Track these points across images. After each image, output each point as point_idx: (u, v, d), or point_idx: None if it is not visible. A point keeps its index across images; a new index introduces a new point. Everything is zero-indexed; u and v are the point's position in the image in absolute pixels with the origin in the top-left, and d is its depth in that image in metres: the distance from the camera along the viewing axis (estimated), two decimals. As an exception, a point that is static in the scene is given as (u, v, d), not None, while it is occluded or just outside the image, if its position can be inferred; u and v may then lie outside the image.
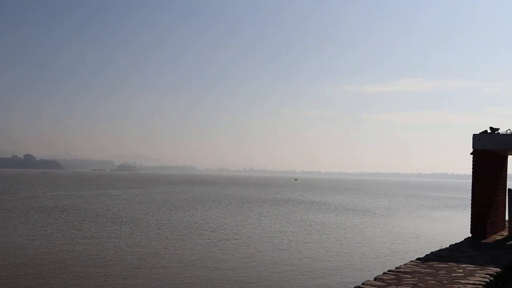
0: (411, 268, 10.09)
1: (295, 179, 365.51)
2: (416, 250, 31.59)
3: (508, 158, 19.76)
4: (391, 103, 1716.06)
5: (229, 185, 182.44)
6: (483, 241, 15.56)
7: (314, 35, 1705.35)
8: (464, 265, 10.64)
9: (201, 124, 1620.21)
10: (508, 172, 19.71)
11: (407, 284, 8.55)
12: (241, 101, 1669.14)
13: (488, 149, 16.50)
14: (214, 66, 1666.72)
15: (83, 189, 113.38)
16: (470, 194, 16.95)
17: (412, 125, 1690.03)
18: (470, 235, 16.51)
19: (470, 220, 16.72)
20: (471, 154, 16.70)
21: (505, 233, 17.59)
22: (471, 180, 16.90)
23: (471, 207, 16.67)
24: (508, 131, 16.39)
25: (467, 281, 8.86)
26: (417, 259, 11.57)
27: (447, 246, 14.13)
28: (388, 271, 9.81)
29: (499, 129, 16.65)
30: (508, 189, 18.45)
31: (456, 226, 48.73)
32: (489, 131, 16.66)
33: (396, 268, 10.18)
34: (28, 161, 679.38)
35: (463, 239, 16.00)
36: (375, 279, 8.98)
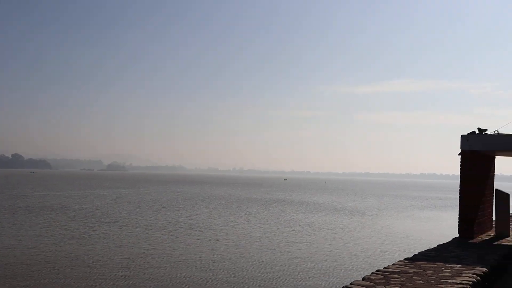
0: (399, 268, 10.16)
1: (285, 179, 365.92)
2: (404, 250, 31.76)
3: (496, 159, 19.94)
4: (381, 104, 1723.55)
5: (218, 185, 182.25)
6: (471, 241, 15.68)
7: (305, 35, 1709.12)
8: (452, 265, 10.73)
9: (191, 124, 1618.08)
10: (495, 173, 19.88)
11: (395, 284, 8.60)
12: (231, 101, 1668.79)
13: (476, 149, 16.64)
14: (205, 66, 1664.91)
15: (72, 188, 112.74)
16: (458, 195, 17.08)
17: (401, 125, 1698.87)
18: (457, 235, 16.64)
19: (458, 220, 16.85)
20: (459, 154, 16.83)
21: (492, 233, 17.74)
22: (459, 181, 17.03)
23: (459, 208, 16.79)
24: (496, 132, 16.54)
25: (454, 281, 8.94)
26: (405, 259, 11.64)
27: (435, 246, 14.23)
28: (377, 271, 9.87)
29: (486, 130, 16.79)
30: (496, 189, 18.61)
31: (444, 226, 49.04)
32: (477, 132, 16.80)
33: (384, 268, 10.24)
34: (16, 160, 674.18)
35: (451, 239, 16.11)
36: (363, 279, 9.03)
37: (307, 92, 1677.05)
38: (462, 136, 16.78)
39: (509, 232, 17.18)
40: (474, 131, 16.83)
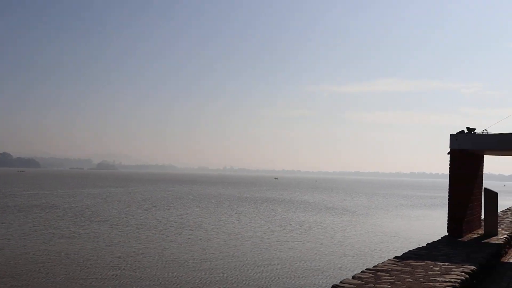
0: (389, 267, 10.22)
1: (275, 178, 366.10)
2: (394, 248, 31.93)
3: (484, 158, 20.09)
4: (370, 103, 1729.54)
5: (209, 184, 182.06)
6: (460, 239, 15.79)
7: (294, 35, 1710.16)
8: (441, 263, 10.80)
9: (182, 122, 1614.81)
10: (484, 172, 20.03)
11: (384, 282, 8.66)
12: (221, 100, 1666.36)
13: (465, 149, 16.74)
14: (195, 66, 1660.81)
15: (61, 187, 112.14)
16: (448, 193, 17.19)
17: (391, 125, 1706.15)
18: (447, 234, 16.75)
19: (447, 219, 16.95)
20: (448, 153, 16.93)
21: (481, 231, 17.87)
22: (448, 180, 17.13)
23: (448, 206, 16.89)
24: (485, 131, 16.65)
25: (443, 279, 9.01)
26: (394, 257, 11.70)
27: (424, 245, 14.32)
28: (366, 269, 9.92)
29: (475, 129, 16.89)
30: (484, 188, 18.74)
31: (434, 224, 49.36)
32: (466, 131, 16.90)
33: (374, 266, 10.29)
34: (4, 159, 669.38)
35: (440, 238, 16.21)
36: (353, 277, 9.08)
37: (296, 91, 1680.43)
38: (451, 135, 16.87)
39: (497, 230, 17.31)
40: (463, 131, 16.93)
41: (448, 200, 16.96)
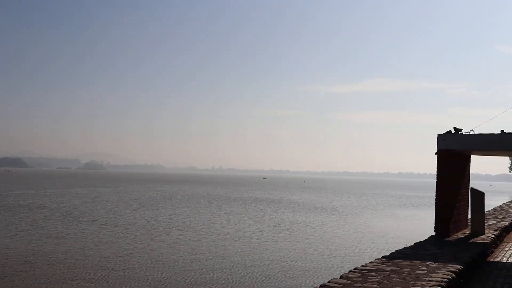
0: (377, 266, 10.28)
1: (264, 178, 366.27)
2: (383, 248, 32.08)
3: (471, 158, 20.26)
4: (359, 103, 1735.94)
5: (197, 183, 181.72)
6: (447, 239, 15.91)
7: (284, 36, 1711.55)
8: (428, 263, 10.89)
9: (170, 122, 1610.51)
10: (470, 172, 20.20)
11: (372, 281, 8.72)
12: (210, 100, 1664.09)
13: (452, 149, 16.87)
14: (183, 66, 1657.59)
15: (49, 187, 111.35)
16: (435, 193, 17.31)
17: (379, 125, 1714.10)
18: (434, 234, 16.87)
19: (434, 218, 17.07)
20: (435, 154, 17.05)
21: (467, 231, 18.02)
22: (435, 179, 17.25)
23: (435, 206, 17.01)
24: (472, 131, 16.78)
25: (430, 278, 9.09)
26: (382, 257, 11.78)
27: (412, 245, 14.42)
28: (354, 269, 9.98)
29: (462, 129, 17.03)
30: (471, 188, 18.90)
31: (421, 224, 49.66)
32: (453, 131, 17.03)
33: (362, 266, 10.36)
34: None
35: (427, 237, 16.33)
36: (341, 277, 9.13)
37: (285, 91, 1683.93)
38: (439, 135, 16.99)
39: (484, 230, 17.47)
40: (450, 131, 17.05)
41: (436, 200, 17.08)
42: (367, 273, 9.52)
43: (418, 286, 8.43)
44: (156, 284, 21.28)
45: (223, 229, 40.28)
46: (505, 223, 21.61)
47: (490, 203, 45.00)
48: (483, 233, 17.16)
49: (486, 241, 15.38)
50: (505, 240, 19.19)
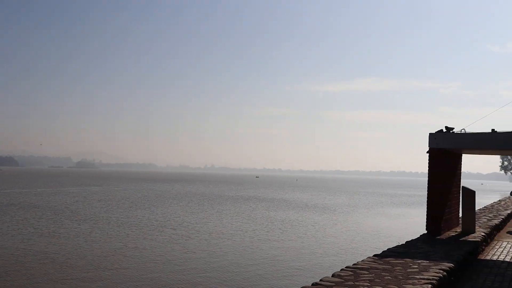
0: (368, 264, 10.34)
1: (256, 177, 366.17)
2: (375, 246, 32.21)
3: (462, 157, 20.39)
4: (350, 102, 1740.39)
5: (190, 182, 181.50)
6: (438, 237, 16.02)
7: (275, 34, 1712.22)
8: (419, 261, 10.97)
9: (162, 120, 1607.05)
10: (462, 170, 20.33)
11: (364, 280, 8.77)
12: (202, 99, 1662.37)
13: (444, 147, 16.98)
14: (175, 64, 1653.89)
15: (40, 186, 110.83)
16: (426, 192, 17.41)
17: (371, 123, 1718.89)
18: (425, 232, 16.97)
19: (425, 217, 17.17)
20: (427, 152, 17.15)
21: (458, 229, 18.14)
22: (427, 178, 17.35)
23: (427, 205, 17.12)
24: (463, 130, 16.90)
25: (421, 277, 9.15)
26: (374, 255, 11.84)
27: (403, 243, 14.50)
28: (346, 267, 10.03)
29: (454, 128, 17.14)
30: (462, 186, 19.03)
31: (413, 223, 49.87)
32: (444, 130, 17.13)
33: (354, 264, 10.42)
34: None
35: (419, 236, 16.43)
36: (333, 275, 9.18)
37: (277, 90, 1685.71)
38: (430, 134, 17.10)
39: (475, 228, 17.60)
40: (441, 130, 17.16)
41: (427, 198, 17.19)
42: (359, 271, 9.57)
43: (410, 284, 8.48)
44: (149, 283, 21.26)
45: (215, 228, 40.28)
46: (496, 221, 21.78)
47: (481, 202, 45.26)
48: (474, 232, 17.29)
49: (477, 240, 15.50)
50: (495, 238, 19.34)
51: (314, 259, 27.96)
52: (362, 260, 10.96)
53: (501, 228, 22.68)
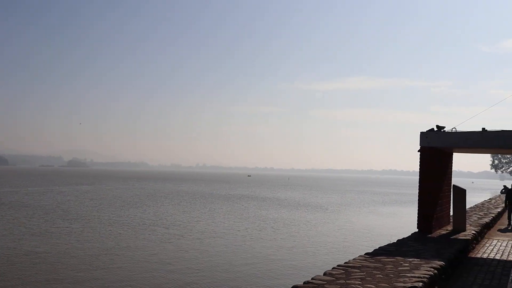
0: (360, 263, 10.40)
1: (248, 176, 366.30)
2: (367, 245, 32.33)
3: (453, 156, 20.52)
4: (341, 101, 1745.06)
5: (181, 181, 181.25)
6: (429, 236, 16.12)
7: (264, 32, 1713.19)
8: (410, 259, 11.04)
9: (153, 120, 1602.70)
10: (453, 169, 20.46)
11: (355, 278, 8.82)
12: (193, 97, 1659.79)
13: (435, 146, 17.10)
14: (164, 63, 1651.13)
15: (31, 185, 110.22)
16: (418, 190, 17.51)
17: (363, 122, 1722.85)
18: (417, 230, 17.07)
19: (417, 215, 17.28)
20: (418, 151, 17.25)
21: (449, 227, 18.27)
22: (418, 177, 17.46)
23: (418, 203, 17.23)
24: (454, 129, 17.01)
25: (412, 275, 9.22)
26: (365, 253, 11.91)
27: (395, 241, 14.58)
28: (338, 265, 10.09)
29: (445, 127, 17.25)
30: (453, 185, 19.16)
31: (404, 221, 50.09)
32: (435, 129, 17.24)
33: (345, 263, 10.47)
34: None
35: (410, 234, 16.53)
36: (324, 274, 9.22)
37: (268, 88, 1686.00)
38: (421, 133, 17.21)
39: (465, 226, 17.73)
40: (432, 129, 17.27)
41: (418, 197, 17.29)
42: (350, 269, 9.62)
43: (401, 282, 8.54)
44: (141, 282, 21.22)
45: (208, 227, 40.27)
46: (486, 219, 21.95)
47: (471, 200, 45.56)
48: (464, 230, 17.42)
49: (468, 238, 15.61)
50: (486, 236, 19.50)
51: (306, 257, 28.03)
52: (353, 259, 11.02)
53: (492, 226, 22.87)
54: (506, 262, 13.70)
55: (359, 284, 8.25)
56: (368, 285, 8.22)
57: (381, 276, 9.10)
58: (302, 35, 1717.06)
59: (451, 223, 18.59)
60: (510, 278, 11.45)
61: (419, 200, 17.20)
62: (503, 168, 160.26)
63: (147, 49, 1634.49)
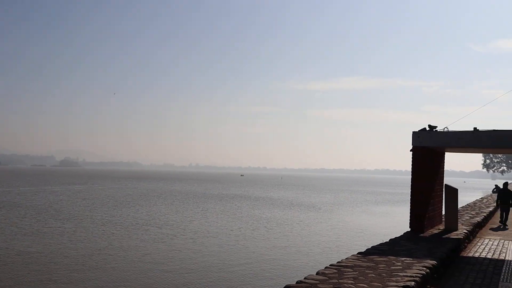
0: (353, 262, 10.44)
1: (241, 175, 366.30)
2: (359, 244, 32.43)
3: (445, 155, 20.61)
4: (335, 101, 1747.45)
5: (174, 181, 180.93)
6: (421, 235, 16.19)
7: (259, 32, 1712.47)
8: (403, 258, 11.09)
9: (147, 119, 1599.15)
10: (445, 168, 20.56)
11: (348, 277, 8.85)
12: (186, 97, 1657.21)
13: (427, 146, 17.17)
14: (159, 62, 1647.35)
15: (23, 185, 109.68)
16: (410, 190, 17.58)
17: (355, 122, 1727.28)
18: (409, 230, 17.14)
19: (409, 215, 17.35)
20: (410, 151, 17.32)
21: (441, 227, 18.36)
22: (411, 176, 17.53)
23: (410, 203, 17.29)
24: (446, 129, 17.09)
25: (405, 274, 9.26)
26: (358, 253, 11.95)
27: (387, 241, 14.64)
28: (330, 265, 10.11)
29: (437, 127, 17.33)
30: (445, 184, 19.25)
31: (397, 220, 50.26)
32: (427, 129, 17.32)
33: (338, 262, 10.50)
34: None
35: (402, 233, 16.60)
36: (317, 273, 9.25)
37: (262, 88, 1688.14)
38: (414, 133, 17.28)
39: (457, 226, 17.82)
40: (425, 128, 17.34)
41: (411, 196, 17.36)
42: (343, 269, 9.66)
43: (393, 281, 8.59)
44: (134, 282, 21.19)
45: (201, 227, 40.24)
46: (478, 219, 22.07)
47: (463, 199, 45.82)
48: (456, 229, 17.51)
49: (460, 237, 15.70)
50: (478, 235, 19.61)
51: (299, 257, 28.07)
52: (346, 258, 11.05)
53: (483, 226, 23.00)
54: (498, 261, 13.79)
55: (351, 284, 8.29)
56: (361, 285, 8.26)
57: (373, 275, 9.14)
58: (296, 35, 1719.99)
59: (443, 223, 18.68)
60: (502, 276, 11.53)
61: (411, 199, 17.27)
62: (495, 168, 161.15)
63: (140, 49, 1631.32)
